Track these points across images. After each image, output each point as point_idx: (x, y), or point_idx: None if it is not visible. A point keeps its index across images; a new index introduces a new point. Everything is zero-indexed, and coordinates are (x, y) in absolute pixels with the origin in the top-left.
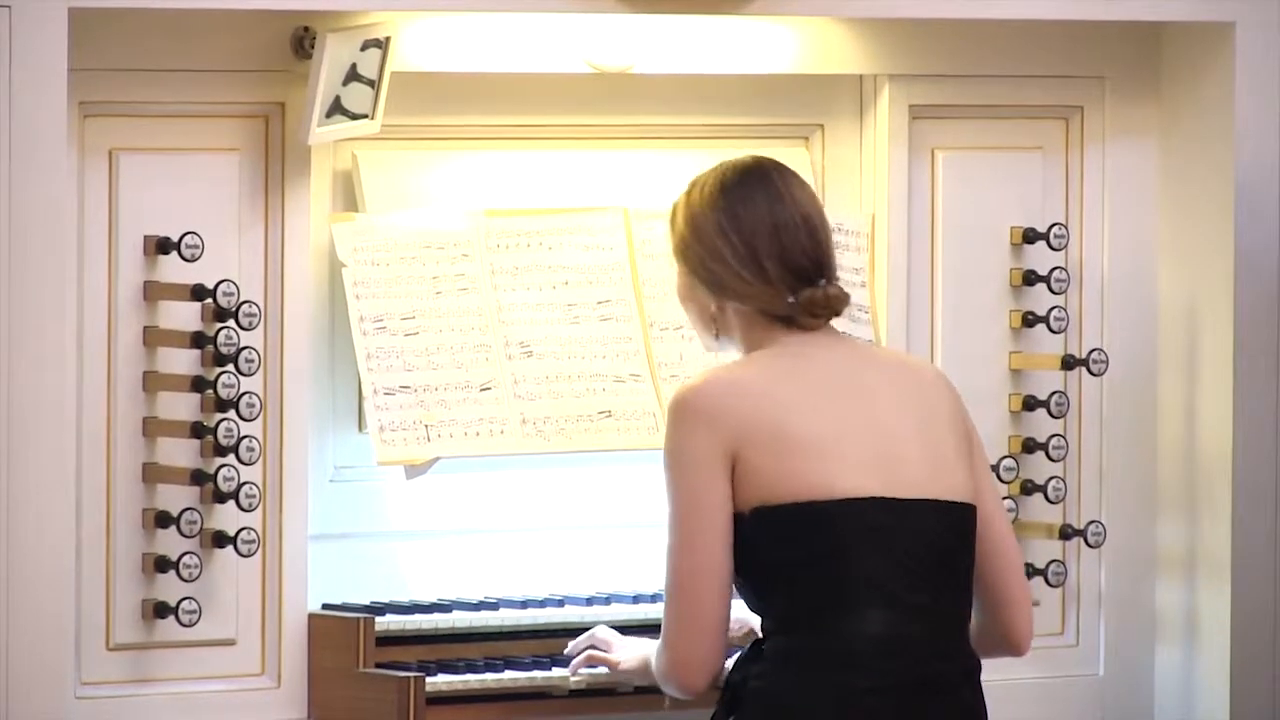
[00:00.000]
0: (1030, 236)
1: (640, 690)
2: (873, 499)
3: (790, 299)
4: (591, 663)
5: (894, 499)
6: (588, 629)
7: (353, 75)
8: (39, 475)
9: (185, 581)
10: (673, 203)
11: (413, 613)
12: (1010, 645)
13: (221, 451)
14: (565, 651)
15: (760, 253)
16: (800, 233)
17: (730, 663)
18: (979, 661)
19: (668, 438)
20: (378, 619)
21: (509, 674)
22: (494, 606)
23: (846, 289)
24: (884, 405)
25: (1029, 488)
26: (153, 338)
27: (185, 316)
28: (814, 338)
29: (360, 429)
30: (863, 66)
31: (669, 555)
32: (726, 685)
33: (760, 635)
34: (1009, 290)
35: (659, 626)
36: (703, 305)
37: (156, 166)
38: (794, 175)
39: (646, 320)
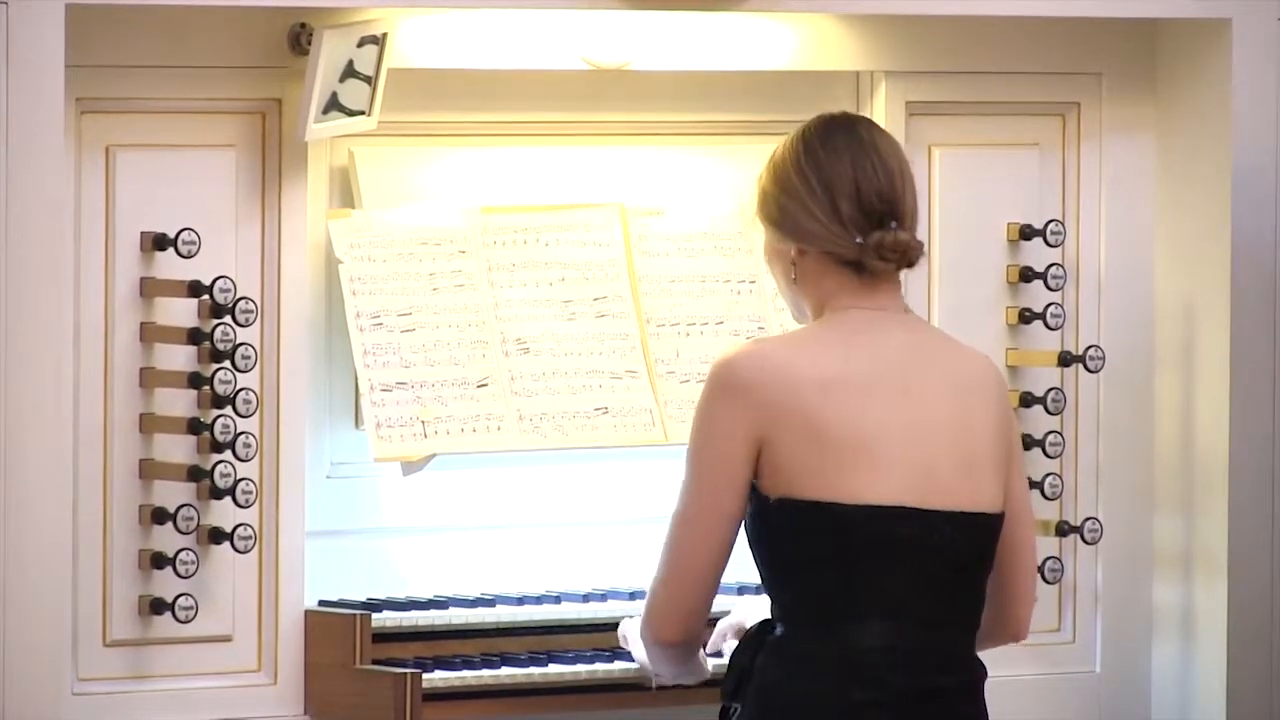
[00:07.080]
0: (1027, 233)
1: (636, 686)
2: (898, 508)
3: (858, 239)
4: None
5: (920, 509)
6: (585, 625)
7: (349, 72)
8: (36, 471)
9: (182, 578)
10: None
11: (409, 609)
12: (1010, 634)
13: (218, 448)
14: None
15: (836, 192)
16: (878, 176)
17: (719, 629)
18: (984, 672)
19: (699, 404)
20: (374, 615)
21: (505, 670)
22: (490, 603)
23: None
24: (928, 407)
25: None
26: (149, 334)
27: (182, 313)
28: (877, 317)
29: (357, 425)
30: (859, 63)
31: (672, 519)
32: (732, 666)
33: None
34: (1005, 287)
35: None
36: (784, 257)
37: (153, 163)
38: (882, 130)
39: (643, 316)
